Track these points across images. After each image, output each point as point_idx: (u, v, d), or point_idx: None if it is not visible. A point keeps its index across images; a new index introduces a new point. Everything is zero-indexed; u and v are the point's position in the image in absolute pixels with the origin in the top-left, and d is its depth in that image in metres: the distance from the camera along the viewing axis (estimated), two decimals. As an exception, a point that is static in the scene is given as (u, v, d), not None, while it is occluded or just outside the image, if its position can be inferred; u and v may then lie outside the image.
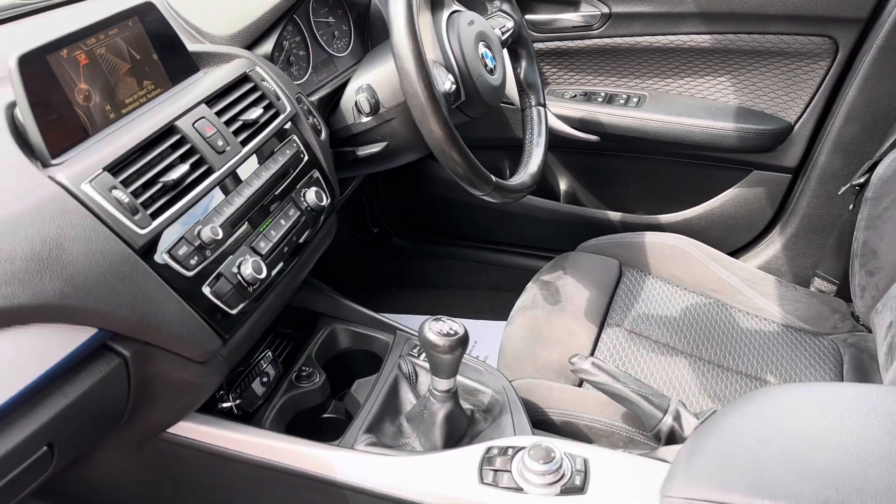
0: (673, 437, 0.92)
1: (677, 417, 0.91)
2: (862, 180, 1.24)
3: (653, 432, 0.93)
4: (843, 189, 1.29)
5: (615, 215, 1.63)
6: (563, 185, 1.68)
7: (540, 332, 1.22)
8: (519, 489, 0.81)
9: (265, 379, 0.98)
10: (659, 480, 0.77)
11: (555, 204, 1.67)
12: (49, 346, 0.65)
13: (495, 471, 0.83)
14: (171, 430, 0.88)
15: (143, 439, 0.88)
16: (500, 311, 1.40)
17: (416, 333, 1.09)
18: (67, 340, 0.66)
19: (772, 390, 0.83)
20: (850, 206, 1.29)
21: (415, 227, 1.88)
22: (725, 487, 0.70)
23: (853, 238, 1.21)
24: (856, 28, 1.29)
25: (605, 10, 1.45)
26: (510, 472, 0.83)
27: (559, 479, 0.81)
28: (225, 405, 0.92)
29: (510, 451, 0.85)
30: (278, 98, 0.98)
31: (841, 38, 1.31)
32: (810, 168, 1.42)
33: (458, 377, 0.97)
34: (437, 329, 0.86)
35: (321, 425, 1.03)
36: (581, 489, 0.81)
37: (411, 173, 1.74)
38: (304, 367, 1.02)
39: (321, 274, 1.19)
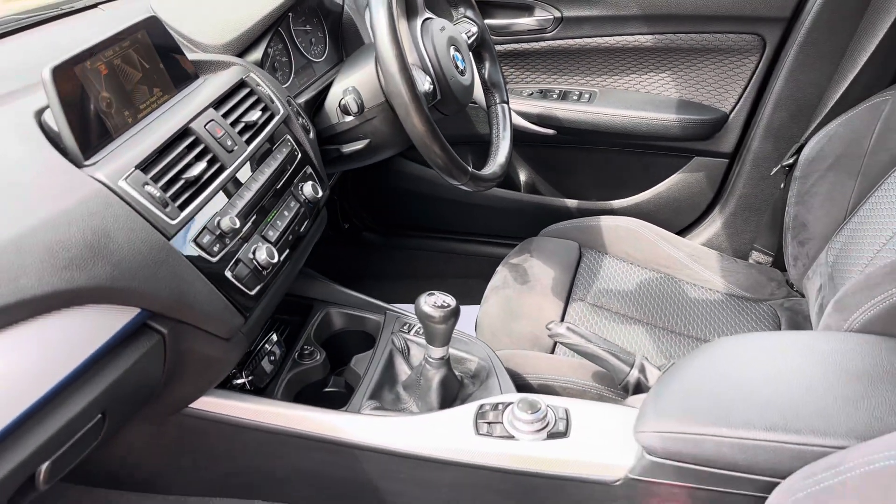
0: (639, 388, 1.05)
1: (642, 370, 1.04)
2: (790, 161, 1.40)
3: (621, 385, 1.05)
4: (775, 170, 1.45)
5: (572, 202, 1.76)
6: (523, 176, 1.80)
7: (512, 309, 1.33)
8: (511, 437, 0.92)
9: (272, 358, 1.07)
10: (631, 422, 0.90)
11: (517, 194, 1.79)
12: (101, 324, 0.73)
13: (489, 423, 0.94)
14: (193, 405, 0.96)
15: (167, 415, 0.96)
16: (470, 297, 1.50)
17: (405, 313, 1.20)
18: (116, 320, 0.74)
19: (722, 341, 0.96)
20: (781, 185, 1.45)
21: (384, 222, 1.97)
22: (688, 420, 0.83)
23: (785, 213, 1.36)
24: (780, 26, 1.45)
25: (557, 14, 1.57)
26: (502, 423, 0.94)
27: (545, 427, 0.93)
28: (238, 381, 1.01)
29: (500, 406, 0.96)
30: (272, 101, 1.07)
31: (767, 36, 1.47)
32: (745, 153, 1.57)
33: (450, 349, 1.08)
34: (432, 302, 0.97)
35: (324, 398, 1.13)
36: (564, 433, 0.93)
37: (380, 171, 1.83)
38: (305, 347, 1.11)
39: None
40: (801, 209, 1.31)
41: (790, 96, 1.46)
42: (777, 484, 0.72)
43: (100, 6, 1.22)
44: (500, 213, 1.81)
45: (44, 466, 0.69)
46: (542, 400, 0.95)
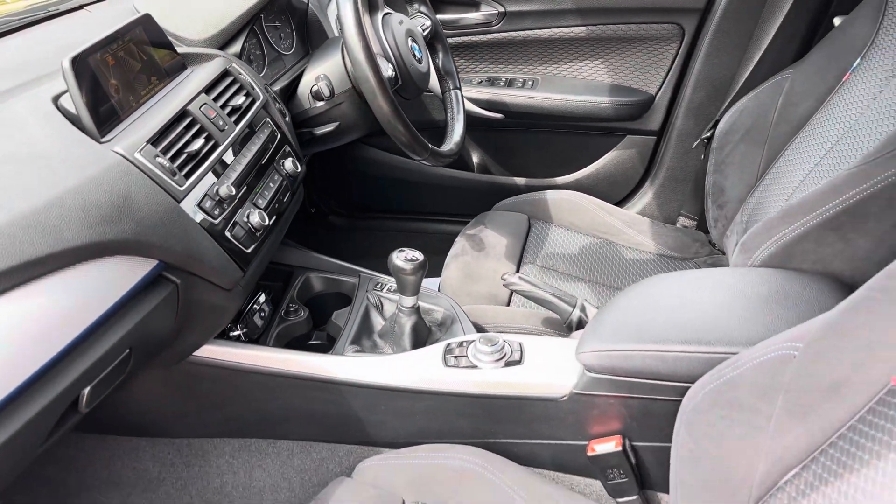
0: (580, 325, 1.22)
1: (583, 309, 1.22)
2: (708, 135, 1.59)
3: (566, 323, 1.23)
4: (696, 143, 1.64)
5: (521, 180, 1.93)
6: (476, 158, 1.97)
7: (471, 272, 1.50)
8: (474, 367, 1.09)
9: (262, 314, 1.21)
10: (574, 349, 1.07)
11: (471, 174, 1.95)
12: (126, 273, 0.86)
13: (455, 357, 1.10)
14: (197, 353, 1.10)
15: (176, 362, 1.09)
16: (431, 271, 1.66)
17: (378, 275, 1.35)
18: (138, 269, 0.88)
19: (647, 280, 1.14)
20: (702, 157, 1.64)
21: (349, 206, 2.11)
22: (619, 339, 1.01)
23: (705, 181, 1.55)
24: (695, 16, 1.64)
25: (501, 9, 1.74)
26: (466, 356, 1.10)
27: (503, 357, 1.09)
28: (234, 334, 1.14)
29: (464, 344, 1.13)
30: (253, 88, 1.21)
31: (685, 24, 1.66)
32: (670, 130, 1.76)
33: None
34: (403, 257, 1.12)
35: (308, 350, 1.27)
36: (519, 361, 1.09)
37: (344, 157, 1.97)
38: (290, 305, 1.26)
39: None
40: (719, 177, 1.50)
41: (706, 78, 1.65)
42: (692, 388, 0.90)
43: (85, 7, 1.34)
44: (456, 192, 1.97)
45: (86, 390, 0.83)
46: (501, 336, 1.12)
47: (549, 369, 1.08)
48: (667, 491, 0.92)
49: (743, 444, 0.80)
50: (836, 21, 1.45)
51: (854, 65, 1.30)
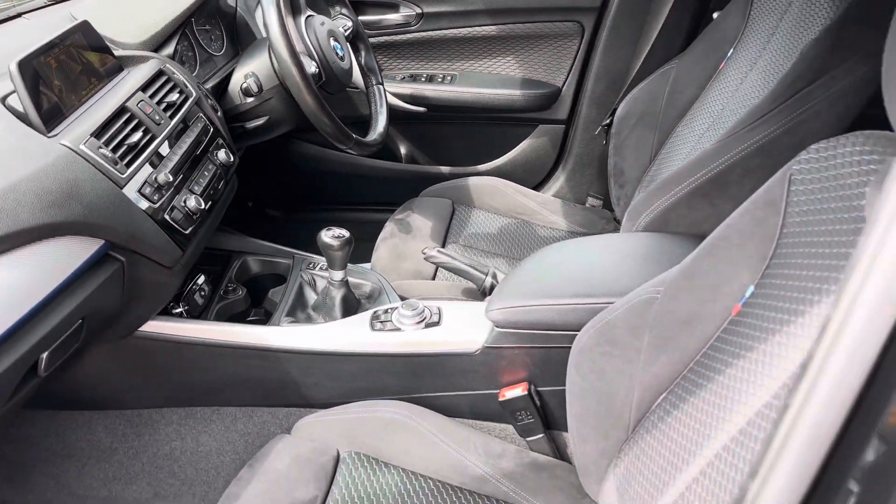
0: (493, 291, 1.37)
1: (494, 276, 1.37)
2: (608, 122, 1.76)
3: (481, 290, 1.37)
4: (598, 130, 1.82)
5: (446, 168, 2.07)
6: (403, 149, 2.10)
7: (399, 252, 1.63)
8: (398, 329, 1.22)
9: (202, 293, 1.32)
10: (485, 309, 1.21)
11: (399, 165, 2.09)
12: (77, 251, 0.97)
13: (381, 322, 1.24)
14: (143, 328, 1.20)
15: (123, 337, 1.19)
16: (364, 258, 1.78)
17: (311, 255, 1.47)
18: (87, 248, 0.98)
19: (549, 247, 1.30)
20: (604, 142, 1.81)
21: (285, 198, 2.22)
22: (521, 296, 1.16)
23: (608, 164, 1.73)
24: (593, 14, 1.81)
25: (419, 10, 1.88)
26: (391, 321, 1.23)
27: (423, 320, 1.23)
28: (177, 311, 1.25)
29: (389, 311, 1.26)
30: (186, 86, 1.31)
31: (585, 22, 1.83)
32: (577, 119, 1.93)
33: (348, 278, 1.36)
34: (331, 234, 1.25)
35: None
36: (438, 323, 1.23)
37: (279, 152, 2.07)
38: (228, 285, 1.37)
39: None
40: (618, 159, 1.67)
41: (605, 70, 1.82)
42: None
43: (24, 15, 1.42)
44: (386, 182, 2.10)
45: (44, 355, 0.93)
46: (421, 302, 1.26)
47: (464, 328, 1.22)
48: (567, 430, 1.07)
49: (621, 375, 0.96)
50: (715, 15, 1.64)
51: (728, 54, 1.49)
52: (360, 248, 1.92)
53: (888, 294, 0.37)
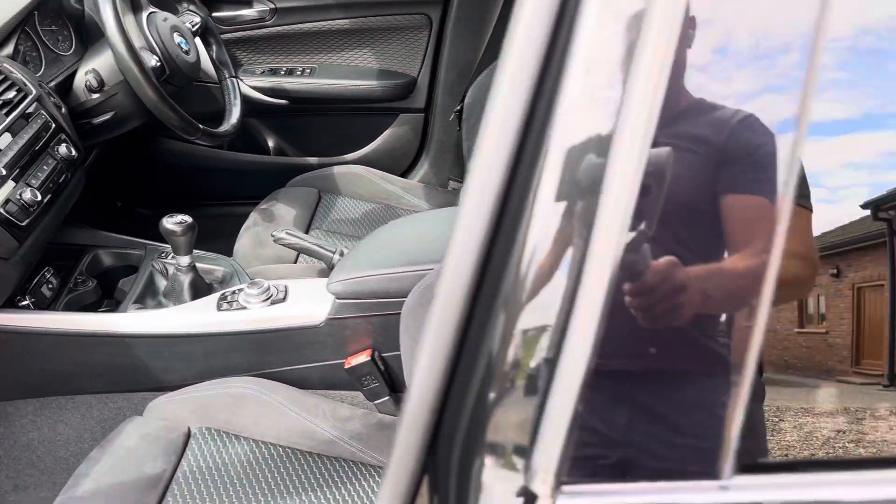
0: (341, 268, 1.45)
1: (342, 254, 1.44)
2: (459, 109, 1.87)
3: (329, 267, 1.45)
4: (452, 117, 1.92)
5: (314, 159, 2.12)
6: (272, 142, 2.14)
7: (261, 240, 1.68)
8: (244, 308, 1.28)
9: (50, 286, 1.33)
10: (327, 284, 1.29)
11: (268, 157, 2.12)
12: None
13: (228, 302, 1.29)
14: (-13, 322, 1.21)
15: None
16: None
17: (164, 246, 1.50)
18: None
19: (390, 223, 1.38)
20: (458, 128, 1.92)
21: (154, 197, 2.21)
22: (357, 269, 1.24)
23: (462, 148, 1.83)
24: (439, 7, 1.90)
25: (272, 6, 1.93)
26: (238, 300, 1.29)
27: (269, 297, 1.29)
28: (23, 303, 1.27)
29: (236, 291, 1.32)
30: (25, 84, 1.33)
31: (432, 14, 1.92)
32: (434, 107, 2.02)
33: (198, 263, 1.40)
34: (174, 221, 1.29)
35: (99, 316, 1.40)
36: (284, 300, 1.30)
37: (145, 150, 2.07)
38: (78, 277, 1.39)
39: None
40: (471, 143, 1.78)
41: (454, 60, 1.93)
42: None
43: None
44: (255, 175, 2.13)
45: None
46: (267, 281, 1.32)
47: (308, 302, 1.29)
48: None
49: (442, 332, 1.05)
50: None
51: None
52: (233, 242, 1.97)
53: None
